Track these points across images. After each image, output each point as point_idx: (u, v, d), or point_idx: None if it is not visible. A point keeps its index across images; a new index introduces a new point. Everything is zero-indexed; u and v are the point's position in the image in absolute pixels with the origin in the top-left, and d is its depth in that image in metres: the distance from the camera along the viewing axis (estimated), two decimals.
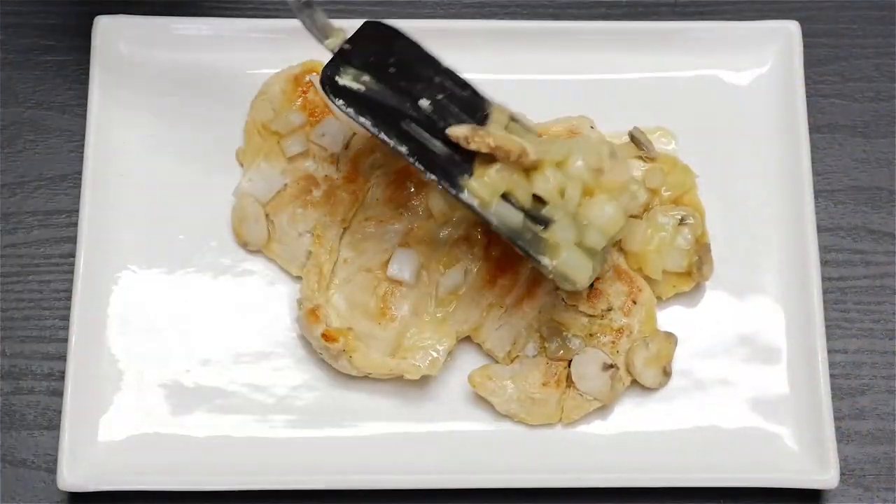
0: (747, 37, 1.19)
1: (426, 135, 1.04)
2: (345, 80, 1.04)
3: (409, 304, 1.10)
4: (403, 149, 1.04)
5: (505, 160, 1.03)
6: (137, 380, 1.09)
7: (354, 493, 1.07)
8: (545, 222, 1.04)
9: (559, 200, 1.04)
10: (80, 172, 1.14)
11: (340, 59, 1.05)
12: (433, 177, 1.03)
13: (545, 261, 1.04)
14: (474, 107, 1.06)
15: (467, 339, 1.11)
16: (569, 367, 1.09)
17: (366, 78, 1.05)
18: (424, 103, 1.05)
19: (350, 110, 1.04)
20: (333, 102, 1.04)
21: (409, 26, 1.18)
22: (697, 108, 1.18)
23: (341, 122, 1.14)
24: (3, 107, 1.19)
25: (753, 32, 1.19)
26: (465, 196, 1.04)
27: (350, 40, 1.06)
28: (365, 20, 1.07)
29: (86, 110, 1.15)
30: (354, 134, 1.15)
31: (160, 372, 1.10)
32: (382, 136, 1.04)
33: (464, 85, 1.06)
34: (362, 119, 1.04)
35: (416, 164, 1.04)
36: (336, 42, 1.06)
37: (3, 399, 1.11)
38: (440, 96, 1.05)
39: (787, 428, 1.09)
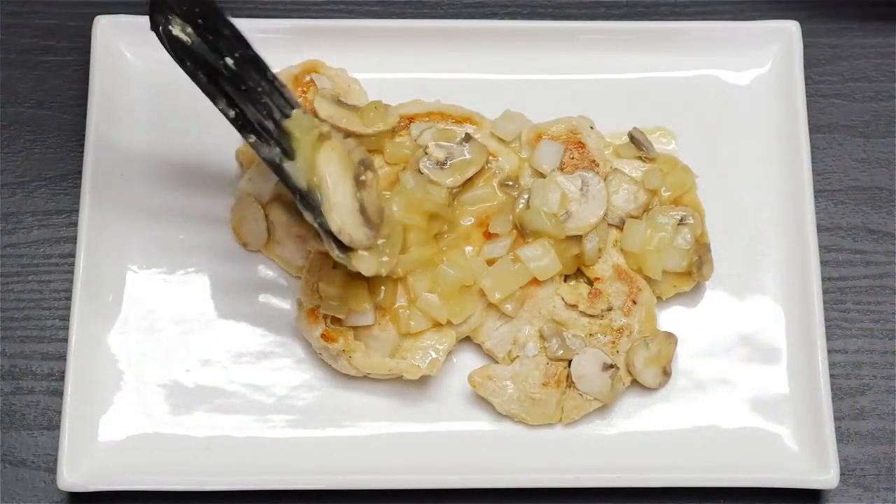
0: (747, 37, 1.19)
1: (241, 96, 1.00)
2: (176, 29, 0.99)
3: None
4: (231, 113, 1.00)
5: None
6: (137, 380, 1.09)
7: (354, 493, 1.07)
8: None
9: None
10: (80, 172, 1.14)
11: (162, 2, 0.98)
12: (252, 140, 1.01)
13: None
14: (264, 70, 1.02)
15: (467, 339, 1.11)
16: (569, 367, 1.09)
17: (189, 30, 0.99)
18: (229, 61, 1.00)
19: (188, 65, 0.99)
20: (171, 54, 0.99)
21: (410, 26, 1.18)
22: (697, 108, 1.18)
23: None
24: (3, 107, 1.19)
25: (753, 32, 1.19)
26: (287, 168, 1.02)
27: None
28: None
29: (86, 110, 1.15)
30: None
31: (160, 372, 1.10)
32: (214, 98, 1.00)
33: (249, 45, 1.01)
34: (199, 76, 1.00)
35: (239, 130, 1.01)
36: None
37: (3, 399, 1.11)
38: (237, 53, 1.00)
39: (787, 428, 1.09)
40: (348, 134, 1.14)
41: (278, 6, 1.22)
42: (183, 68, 1.00)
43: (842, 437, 1.10)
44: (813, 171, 1.15)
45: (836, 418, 1.10)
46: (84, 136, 1.14)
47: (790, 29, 1.18)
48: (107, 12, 1.18)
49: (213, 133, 1.16)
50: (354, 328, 1.09)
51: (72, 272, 1.11)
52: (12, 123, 1.19)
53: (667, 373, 1.10)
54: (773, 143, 1.17)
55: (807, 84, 1.19)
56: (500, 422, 1.10)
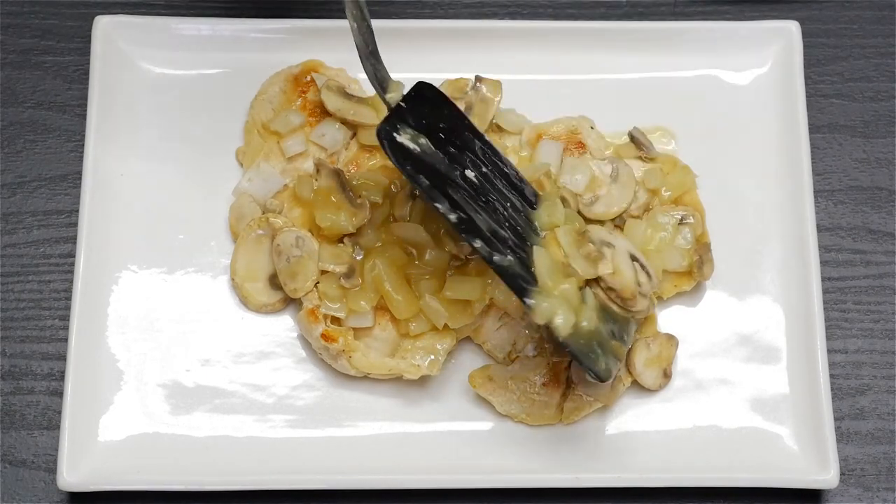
0: (747, 37, 1.19)
1: (472, 205, 1.02)
2: (403, 138, 1.02)
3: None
4: (453, 217, 1.01)
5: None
6: (137, 380, 1.09)
7: (354, 493, 1.07)
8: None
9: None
10: (80, 172, 1.14)
11: (397, 116, 1.02)
12: (478, 245, 1.01)
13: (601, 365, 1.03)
14: (519, 187, 1.06)
15: (467, 339, 1.11)
16: (569, 367, 1.09)
17: (422, 140, 1.02)
18: (470, 174, 1.03)
19: (408, 168, 1.01)
20: (392, 157, 1.01)
21: (410, 26, 1.18)
22: (697, 108, 1.18)
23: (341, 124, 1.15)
24: (3, 107, 1.19)
25: (753, 32, 1.19)
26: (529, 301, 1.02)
27: (405, 98, 1.03)
28: (417, 81, 1.05)
29: (86, 110, 1.15)
30: (354, 135, 1.15)
31: (160, 372, 1.10)
32: (435, 200, 1.01)
33: (505, 162, 1.06)
34: (420, 178, 1.01)
35: (462, 233, 1.01)
36: (396, 97, 1.04)
37: (3, 399, 1.11)
38: (485, 168, 1.04)
39: (787, 428, 1.09)
40: (355, 126, 1.14)
41: (278, 6, 1.22)
42: (402, 171, 1.01)
43: (842, 437, 1.10)
44: (813, 171, 1.15)
45: (836, 418, 1.10)
46: (84, 136, 1.14)
47: (790, 29, 1.18)
48: (107, 12, 1.18)
49: (213, 133, 1.16)
50: (354, 328, 1.09)
51: (72, 272, 1.11)
52: (12, 123, 1.18)
53: (667, 375, 1.10)
54: (773, 143, 1.17)
55: (807, 84, 1.19)
56: (500, 422, 1.09)
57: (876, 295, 1.15)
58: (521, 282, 1.01)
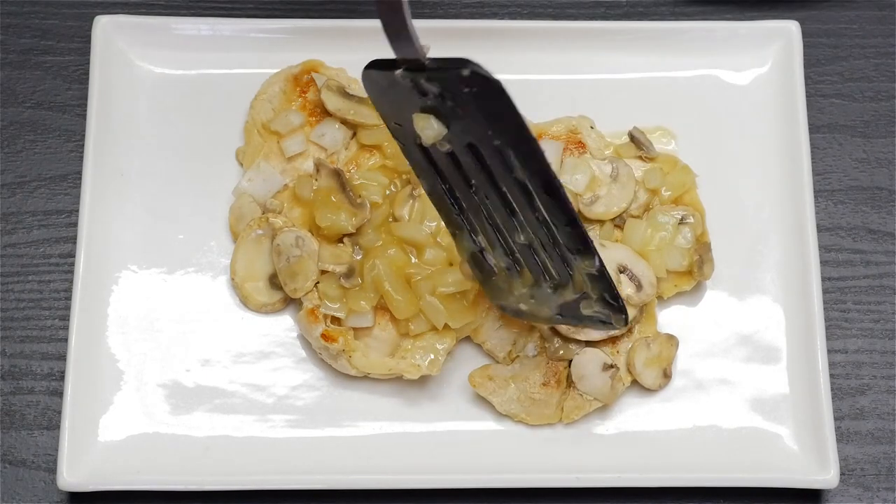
0: (747, 37, 1.19)
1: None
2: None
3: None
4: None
5: None
6: (137, 380, 1.09)
7: (354, 493, 1.07)
8: None
9: None
10: (80, 172, 1.14)
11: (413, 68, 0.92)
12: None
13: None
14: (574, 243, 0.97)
15: (467, 339, 1.11)
16: (569, 367, 1.09)
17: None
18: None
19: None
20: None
21: None
22: (697, 108, 1.18)
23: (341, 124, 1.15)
24: (3, 107, 1.19)
25: (753, 32, 1.19)
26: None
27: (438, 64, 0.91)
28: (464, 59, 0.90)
29: (86, 110, 1.15)
30: (354, 135, 1.15)
31: (160, 372, 1.10)
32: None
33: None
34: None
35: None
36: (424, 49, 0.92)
37: (3, 399, 1.11)
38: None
39: (787, 428, 1.09)
40: (355, 126, 1.14)
41: (278, 6, 1.22)
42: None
43: (842, 437, 1.10)
44: (813, 171, 1.15)
45: (836, 418, 1.10)
46: (84, 135, 1.14)
47: (790, 29, 1.18)
48: (107, 12, 1.18)
49: (213, 133, 1.16)
50: (354, 328, 1.09)
51: (72, 272, 1.11)
52: (12, 123, 1.19)
53: (667, 375, 1.10)
54: (773, 143, 1.17)
55: (807, 84, 1.19)
56: (500, 421, 1.09)
57: (876, 295, 1.15)
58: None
